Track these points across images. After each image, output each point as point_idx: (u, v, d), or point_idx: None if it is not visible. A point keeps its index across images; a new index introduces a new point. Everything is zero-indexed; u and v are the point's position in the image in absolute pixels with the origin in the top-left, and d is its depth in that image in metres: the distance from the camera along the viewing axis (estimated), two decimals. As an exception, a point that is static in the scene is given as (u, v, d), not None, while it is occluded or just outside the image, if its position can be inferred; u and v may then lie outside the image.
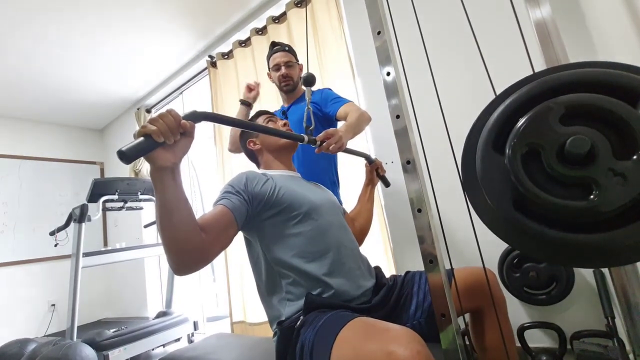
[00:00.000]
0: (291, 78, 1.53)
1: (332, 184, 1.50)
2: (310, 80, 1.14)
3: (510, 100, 0.53)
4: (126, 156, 0.56)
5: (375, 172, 1.33)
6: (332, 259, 0.90)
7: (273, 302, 0.91)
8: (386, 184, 1.38)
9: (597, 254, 0.48)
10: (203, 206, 4.06)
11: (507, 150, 0.51)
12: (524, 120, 0.51)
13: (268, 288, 0.92)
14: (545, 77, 0.52)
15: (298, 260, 0.88)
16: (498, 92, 0.68)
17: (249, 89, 1.62)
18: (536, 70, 0.64)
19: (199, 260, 0.72)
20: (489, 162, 0.54)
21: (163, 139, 0.60)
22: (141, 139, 0.59)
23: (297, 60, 1.60)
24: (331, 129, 1.08)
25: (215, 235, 0.77)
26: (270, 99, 2.14)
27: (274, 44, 1.59)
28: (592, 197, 0.46)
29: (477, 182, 0.55)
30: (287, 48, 1.56)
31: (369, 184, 1.33)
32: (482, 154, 0.54)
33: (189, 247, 0.69)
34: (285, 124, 1.14)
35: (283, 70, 1.51)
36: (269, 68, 1.59)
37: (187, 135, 0.65)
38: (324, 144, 1.04)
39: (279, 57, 1.53)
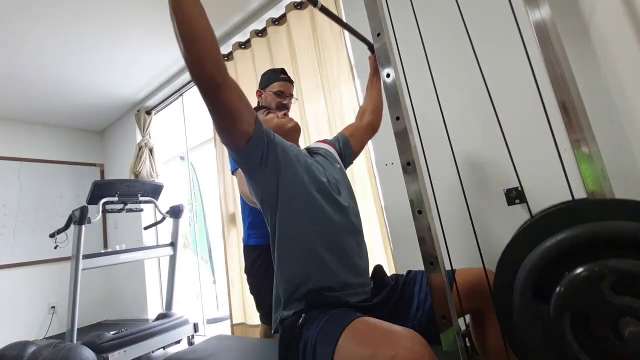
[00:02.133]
0: (288, 108, 1.51)
1: None
2: None
3: (552, 243, 0.49)
4: None
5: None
6: (330, 238, 0.90)
7: (277, 282, 0.91)
8: None
9: None
10: (203, 207, 4.06)
11: (552, 308, 0.48)
12: (572, 278, 0.47)
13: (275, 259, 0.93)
14: (595, 225, 0.47)
15: (301, 250, 0.88)
16: (498, 93, 0.68)
17: None
18: (536, 72, 0.64)
19: (215, 61, 0.74)
20: (529, 310, 0.50)
21: None
22: None
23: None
24: None
25: (237, 89, 0.80)
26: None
27: (282, 71, 1.54)
28: None
29: (515, 324, 0.51)
30: (292, 81, 1.54)
31: (374, 74, 1.38)
32: (521, 300, 0.50)
33: (203, 35, 0.72)
34: (285, 114, 1.16)
35: (286, 100, 1.49)
36: (263, 87, 1.53)
37: None
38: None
39: (285, 87, 1.49)
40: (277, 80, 1.49)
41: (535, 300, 0.50)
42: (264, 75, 1.56)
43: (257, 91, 1.55)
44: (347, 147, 1.22)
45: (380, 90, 1.36)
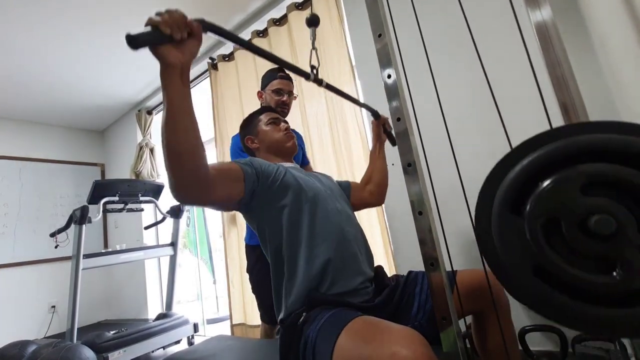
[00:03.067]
0: (288, 106, 1.53)
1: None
2: (314, 20, 1.13)
3: (528, 160, 0.52)
4: (135, 40, 0.56)
5: (382, 127, 1.32)
6: (334, 245, 0.90)
7: (277, 286, 0.91)
8: (393, 142, 1.34)
9: (621, 327, 0.47)
10: (204, 216, 4.06)
11: (525, 216, 0.50)
12: (544, 186, 0.50)
13: (274, 272, 0.93)
14: (567, 141, 0.51)
15: (301, 245, 0.88)
16: (499, 93, 0.68)
17: None
18: (537, 72, 0.64)
19: (198, 188, 0.70)
20: (506, 223, 0.52)
21: (170, 31, 0.60)
22: (149, 29, 0.59)
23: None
24: None
25: (221, 179, 0.78)
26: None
27: (280, 70, 1.54)
28: (616, 274, 0.45)
29: (492, 241, 0.53)
30: (290, 78, 1.55)
31: (377, 141, 1.33)
32: (499, 215, 0.53)
33: (192, 159, 0.67)
34: (287, 128, 1.13)
35: (285, 97, 1.50)
36: (263, 88, 1.55)
37: (194, 37, 0.65)
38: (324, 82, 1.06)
39: (285, 84, 1.51)
40: (275, 79, 1.51)
41: (512, 215, 0.52)
42: (263, 75, 1.58)
43: (258, 92, 1.58)
44: (347, 191, 1.19)
45: (385, 158, 1.32)
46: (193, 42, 0.66)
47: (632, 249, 0.45)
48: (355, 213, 1.11)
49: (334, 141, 1.94)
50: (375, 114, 1.31)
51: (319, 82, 1.06)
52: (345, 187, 1.20)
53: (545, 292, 0.49)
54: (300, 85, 2.04)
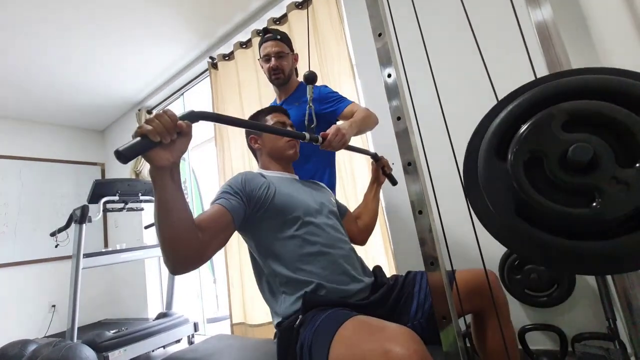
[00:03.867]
0: (282, 70, 1.40)
1: (330, 187, 1.41)
2: (311, 78, 1.12)
3: (512, 106, 0.53)
4: (123, 155, 0.57)
5: (381, 170, 1.33)
6: (325, 263, 0.91)
7: (270, 297, 0.92)
8: (393, 182, 1.36)
9: (601, 261, 0.47)
10: (203, 209, 4.06)
11: (509, 157, 0.51)
12: (526, 126, 0.51)
13: (265, 286, 0.94)
14: (547, 84, 0.52)
15: (291, 265, 0.89)
16: (499, 93, 0.68)
17: None
18: (537, 73, 0.64)
19: (195, 260, 0.73)
20: (491, 168, 0.53)
21: (159, 139, 0.60)
22: (138, 139, 0.60)
23: (292, 49, 1.46)
24: (334, 126, 1.07)
25: (212, 235, 0.77)
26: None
27: (265, 31, 1.44)
28: (595, 204, 0.46)
29: (479, 187, 0.54)
30: (279, 36, 1.41)
31: (375, 182, 1.33)
32: (484, 160, 0.54)
33: (186, 247, 0.70)
34: (290, 140, 1.10)
35: (273, 62, 1.38)
36: (260, 56, 1.46)
37: (183, 135, 0.65)
38: (326, 141, 1.03)
39: (269, 46, 1.39)
40: (262, 44, 1.43)
41: (497, 160, 0.53)
42: (258, 44, 1.50)
43: (258, 59, 1.51)
44: (342, 211, 1.19)
45: (379, 201, 1.32)
46: (182, 140, 0.66)
47: (609, 179, 0.46)
48: None
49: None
50: (374, 156, 1.32)
51: (315, 140, 1.03)
52: (342, 211, 1.20)
53: (528, 230, 0.49)
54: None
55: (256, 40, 2.35)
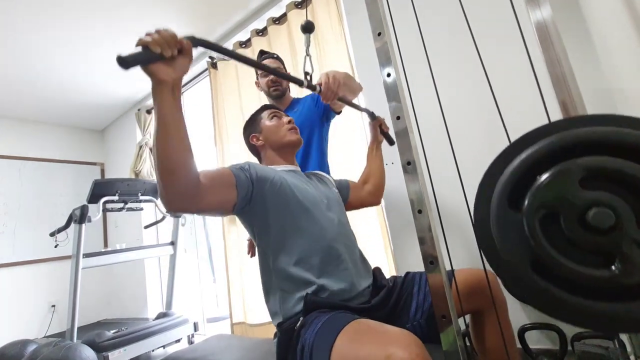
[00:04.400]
0: (280, 84, 1.53)
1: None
2: (309, 27, 1.13)
3: (526, 154, 0.51)
4: (125, 61, 0.57)
5: (379, 128, 1.33)
6: (328, 257, 0.90)
7: (271, 296, 0.92)
8: (390, 141, 1.35)
9: (618, 322, 0.46)
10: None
11: (524, 210, 0.50)
12: (542, 180, 0.49)
13: (267, 282, 0.93)
14: (565, 134, 0.50)
15: (295, 260, 0.88)
16: (498, 93, 0.68)
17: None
18: (537, 72, 0.64)
19: (190, 199, 0.73)
20: (504, 218, 0.52)
21: (160, 50, 0.62)
22: (139, 49, 0.61)
23: (285, 69, 1.61)
24: (323, 73, 1.13)
25: (213, 187, 0.78)
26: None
27: (262, 52, 1.60)
28: (614, 267, 0.45)
29: (491, 236, 0.53)
30: (275, 56, 1.57)
31: (374, 142, 1.34)
32: (497, 209, 0.52)
33: (183, 176, 0.69)
34: (290, 121, 1.12)
35: (272, 75, 1.50)
36: (257, 76, 1.60)
37: (184, 54, 0.67)
38: (324, 85, 1.08)
39: (268, 63, 1.53)
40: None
41: (511, 209, 0.52)
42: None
43: (255, 82, 1.62)
44: (345, 192, 1.20)
45: (382, 158, 1.33)
46: (184, 59, 0.67)
47: (630, 243, 0.44)
48: (355, 211, 1.11)
49: (335, 139, 1.94)
50: (371, 115, 1.32)
51: (313, 88, 1.06)
52: (344, 187, 1.20)
53: (543, 286, 0.48)
54: (297, 69, 2.03)
55: (255, 40, 2.35)
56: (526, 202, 0.50)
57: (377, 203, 1.31)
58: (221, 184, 0.83)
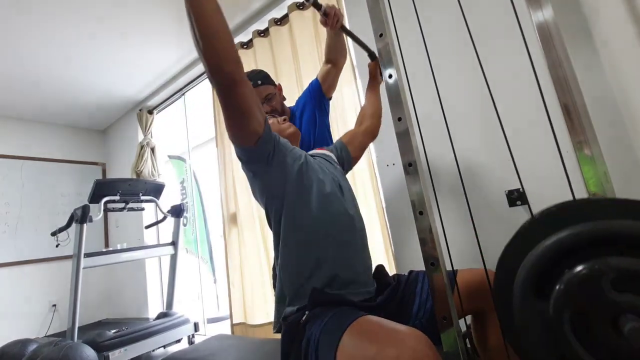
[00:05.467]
0: (275, 110, 1.45)
1: None
2: None
3: (551, 242, 0.49)
4: None
5: (378, 69, 1.34)
6: (336, 235, 0.91)
7: (282, 279, 0.92)
8: None
9: None
10: (203, 207, 4.06)
11: (551, 307, 0.48)
12: (570, 277, 0.47)
13: (280, 258, 0.93)
14: (597, 224, 0.47)
15: (303, 233, 0.89)
16: (500, 95, 0.68)
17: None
18: (538, 73, 0.64)
19: (234, 60, 0.76)
20: (529, 309, 0.50)
21: None
22: None
23: (274, 84, 1.48)
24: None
25: (252, 93, 0.82)
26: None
27: (252, 77, 1.46)
28: None
29: (515, 324, 0.51)
30: (260, 82, 1.42)
31: (374, 81, 1.37)
32: (521, 299, 0.50)
33: (223, 33, 0.74)
34: (285, 119, 1.16)
35: (265, 107, 1.42)
36: None
37: None
38: (328, 10, 1.13)
39: (258, 93, 1.41)
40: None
41: (536, 299, 0.50)
42: None
43: None
44: (346, 153, 1.22)
45: (379, 96, 1.36)
46: None
47: None
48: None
49: (334, 135, 1.94)
50: (372, 55, 1.34)
51: (318, 6, 1.11)
52: (343, 149, 1.21)
53: None
54: (301, 85, 2.04)
55: (257, 41, 2.35)
56: (553, 299, 0.48)
57: (377, 130, 1.32)
58: (256, 101, 0.85)
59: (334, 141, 1.30)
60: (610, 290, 0.45)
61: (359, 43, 1.32)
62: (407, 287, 0.96)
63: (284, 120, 1.17)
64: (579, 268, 0.47)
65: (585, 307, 0.46)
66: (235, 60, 0.77)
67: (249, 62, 2.41)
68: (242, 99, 0.80)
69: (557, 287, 0.48)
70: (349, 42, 1.95)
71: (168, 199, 2.85)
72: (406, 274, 1.03)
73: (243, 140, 0.87)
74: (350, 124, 1.90)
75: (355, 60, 1.92)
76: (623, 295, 0.45)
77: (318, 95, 1.47)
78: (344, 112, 1.93)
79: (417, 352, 0.56)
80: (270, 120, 1.14)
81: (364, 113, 1.33)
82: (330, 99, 1.52)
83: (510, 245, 0.53)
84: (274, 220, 0.95)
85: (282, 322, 0.87)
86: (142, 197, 2.57)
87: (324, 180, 0.97)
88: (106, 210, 2.42)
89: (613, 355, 0.46)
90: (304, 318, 0.79)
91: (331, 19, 1.18)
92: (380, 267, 1.05)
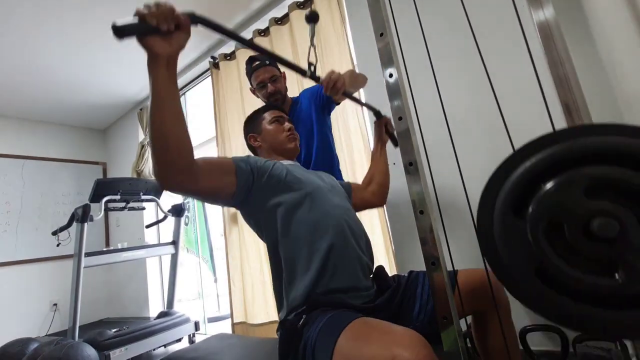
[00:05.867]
0: (279, 92, 1.46)
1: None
2: (313, 17, 1.12)
3: (531, 162, 0.52)
4: (120, 30, 0.57)
5: (384, 128, 1.32)
6: (335, 237, 0.90)
7: (278, 287, 0.92)
8: (395, 142, 1.33)
9: (622, 329, 0.47)
10: (204, 211, 4.06)
11: (527, 218, 0.50)
12: (546, 188, 0.49)
13: (273, 272, 0.94)
14: (570, 143, 0.50)
15: (300, 240, 0.88)
16: (501, 94, 0.68)
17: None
18: (539, 73, 0.64)
19: (185, 171, 0.72)
20: (508, 226, 0.52)
21: (156, 23, 0.61)
22: (136, 20, 0.61)
23: (280, 71, 1.50)
24: (327, 74, 1.11)
25: (210, 169, 0.80)
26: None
27: (252, 59, 1.48)
28: (617, 276, 0.45)
29: (494, 243, 0.53)
30: (267, 62, 1.45)
31: (379, 141, 1.33)
32: (501, 218, 0.52)
33: (177, 145, 0.69)
34: (290, 129, 1.13)
35: (270, 87, 1.44)
36: (251, 84, 1.51)
37: (182, 29, 0.66)
38: (326, 77, 1.08)
39: (261, 73, 1.44)
40: (253, 72, 1.48)
41: (515, 217, 0.52)
42: (245, 71, 1.54)
43: (250, 89, 1.56)
44: (347, 191, 1.19)
45: (386, 158, 1.33)
46: (181, 34, 0.67)
47: (634, 253, 0.45)
48: (356, 213, 1.11)
49: (335, 140, 1.94)
50: (377, 114, 1.31)
51: (317, 79, 1.06)
52: (346, 187, 1.20)
53: (547, 294, 0.49)
54: (302, 85, 2.04)
55: (258, 40, 2.35)
56: (530, 211, 0.50)
57: (382, 203, 1.30)
58: (220, 170, 0.84)
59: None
60: (582, 197, 0.47)
61: (364, 104, 1.32)
62: (407, 289, 0.96)
63: (290, 133, 1.12)
64: (554, 180, 0.49)
65: (559, 216, 0.48)
66: (184, 173, 0.72)
67: (250, 61, 2.42)
68: (201, 192, 0.80)
69: (534, 199, 0.50)
70: (348, 31, 1.95)
71: (169, 198, 2.85)
72: (406, 274, 1.03)
73: (222, 204, 0.94)
74: (351, 124, 1.90)
75: (356, 60, 1.92)
76: (594, 202, 0.47)
77: (326, 101, 1.47)
78: (345, 111, 1.93)
79: (413, 353, 0.56)
80: (273, 126, 1.12)
81: (371, 178, 1.30)
82: (338, 104, 1.52)
83: (494, 174, 0.55)
84: (270, 236, 0.93)
85: (279, 325, 0.87)
86: (143, 197, 2.57)
87: (317, 187, 0.97)
88: (107, 209, 2.42)
89: (585, 259, 0.48)
90: (301, 322, 0.79)
91: (327, 85, 1.09)
92: (380, 268, 1.04)
